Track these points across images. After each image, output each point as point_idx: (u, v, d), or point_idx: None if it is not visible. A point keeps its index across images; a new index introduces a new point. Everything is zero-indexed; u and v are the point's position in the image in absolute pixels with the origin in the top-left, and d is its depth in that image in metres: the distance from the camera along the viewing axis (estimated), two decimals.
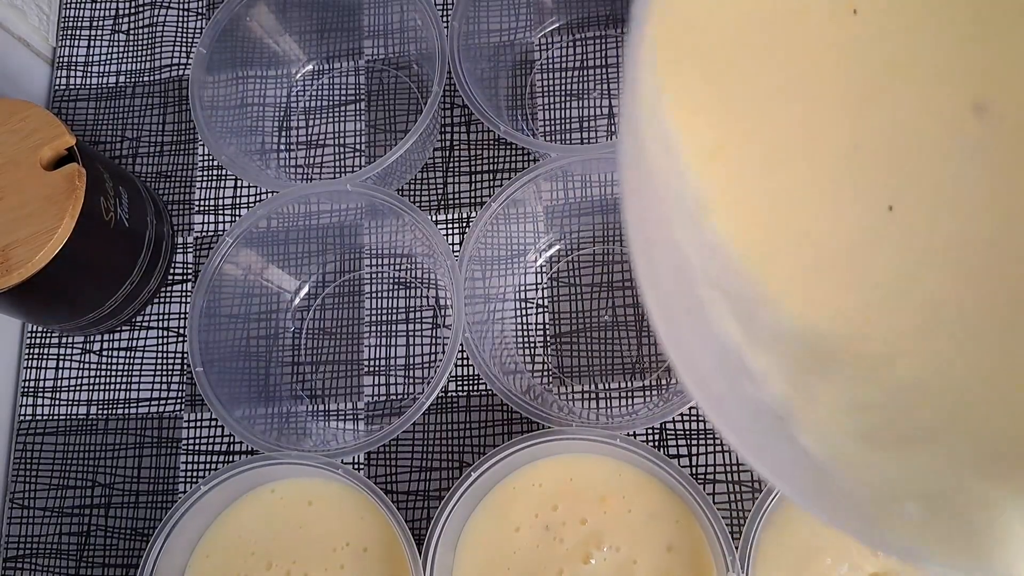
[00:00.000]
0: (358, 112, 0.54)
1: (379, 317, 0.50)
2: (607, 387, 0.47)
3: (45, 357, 0.52)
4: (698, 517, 0.41)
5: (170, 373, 0.51)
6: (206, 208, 0.53)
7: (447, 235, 0.50)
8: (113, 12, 0.58)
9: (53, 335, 0.52)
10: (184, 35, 0.56)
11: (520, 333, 0.49)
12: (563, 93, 0.53)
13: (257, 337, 0.49)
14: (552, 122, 0.52)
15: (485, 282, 0.47)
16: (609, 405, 0.47)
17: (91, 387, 0.51)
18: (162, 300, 0.52)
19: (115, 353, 0.51)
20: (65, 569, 0.48)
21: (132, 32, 0.57)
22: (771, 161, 0.21)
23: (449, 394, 0.48)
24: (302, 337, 0.51)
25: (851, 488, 0.19)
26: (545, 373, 0.48)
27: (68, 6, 0.58)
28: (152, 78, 0.56)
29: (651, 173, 0.21)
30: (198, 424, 0.49)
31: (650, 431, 0.46)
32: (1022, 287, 0.19)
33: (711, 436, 0.46)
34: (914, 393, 0.19)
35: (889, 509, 0.19)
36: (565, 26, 0.54)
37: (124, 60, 0.57)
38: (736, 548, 0.39)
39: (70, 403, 0.51)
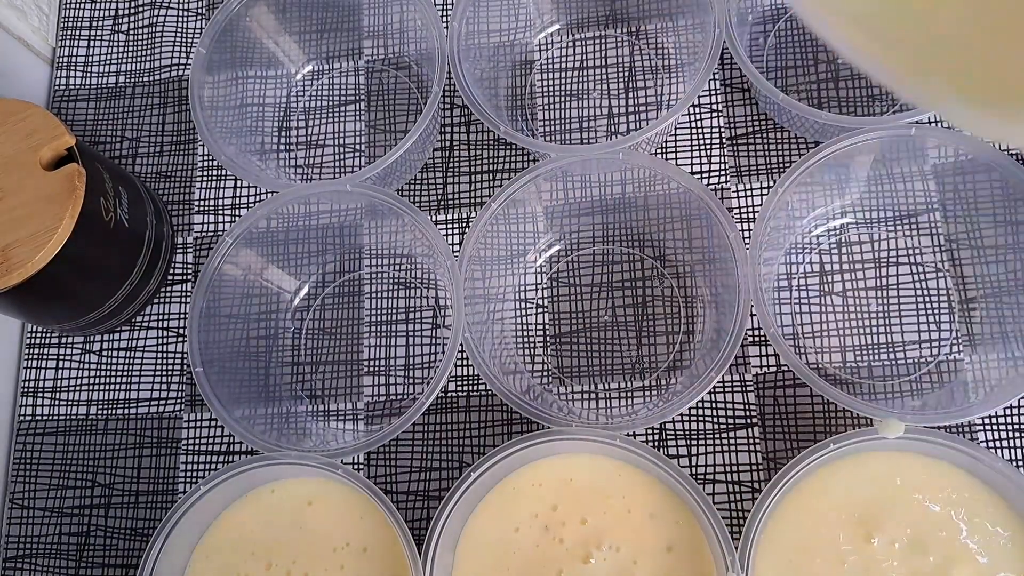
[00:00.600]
0: (358, 112, 0.54)
1: (379, 317, 0.50)
2: (607, 387, 0.47)
3: (45, 357, 0.52)
4: (698, 517, 0.41)
5: (170, 373, 0.51)
6: (206, 208, 0.53)
7: (447, 235, 0.50)
8: (113, 12, 0.58)
9: (53, 335, 0.52)
10: (184, 35, 0.57)
11: (520, 333, 0.49)
12: (563, 93, 0.53)
13: (257, 337, 0.49)
14: (552, 122, 0.52)
15: (485, 282, 0.47)
16: (609, 405, 0.47)
17: (91, 387, 0.51)
18: (162, 300, 0.52)
19: (115, 353, 0.51)
20: (65, 569, 0.48)
21: (132, 32, 0.57)
22: None
23: (449, 394, 0.48)
24: (302, 337, 0.51)
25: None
26: (545, 373, 0.48)
27: (68, 6, 0.58)
28: (152, 78, 0.56)
29: None
30: (198, 424, 0.49)
31: (650, 431, 0.46)
32: None
33: (711, 436, 0.46)
34: None
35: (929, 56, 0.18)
36: (565, 26, 0.54)
37: (124, 60, 0.57)
38: (736, 548, 0.39)
39: (70, 403, 0.51)
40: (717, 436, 0.46)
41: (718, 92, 0.51)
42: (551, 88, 0.53)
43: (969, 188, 0.45)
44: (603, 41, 0.53)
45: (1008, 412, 0.44)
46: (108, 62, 0.57)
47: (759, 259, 0.42)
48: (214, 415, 0.44)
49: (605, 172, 0.47)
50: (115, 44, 0.57)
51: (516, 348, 0.48)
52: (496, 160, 0.52)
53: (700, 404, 0.46)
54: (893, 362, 0.46)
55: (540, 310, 0.49)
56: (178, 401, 0.50)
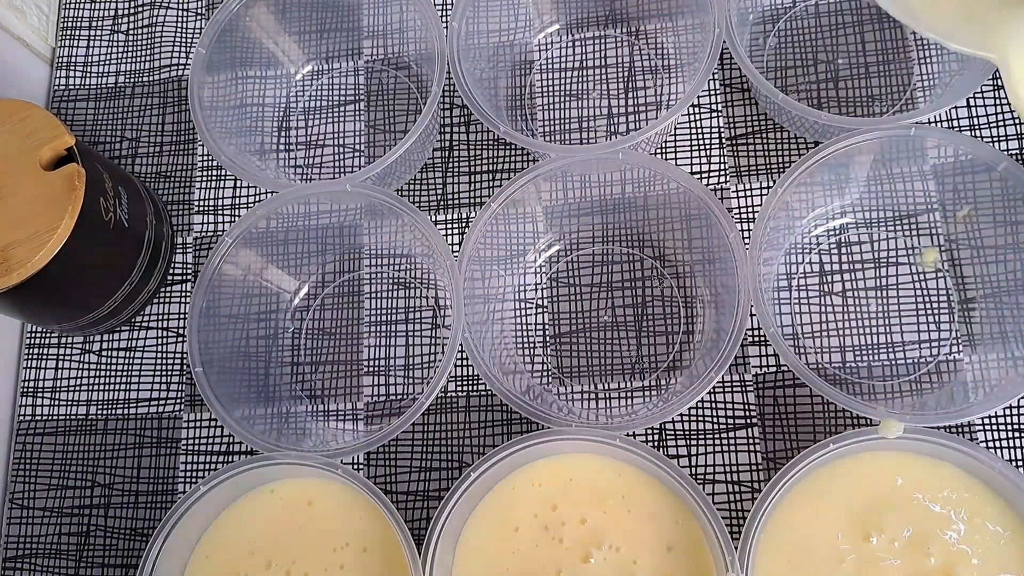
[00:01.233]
0: (357, 112, 0.54)
1: (379, 317, 0.50)
2: (607, 387, 0.47)
3: (45, 357, 0.52)
4: (698, 517, 0.41)
5: (170, 373, 0.51)
6: (206, 208, 0.53)
7: (447, 235, 0.51)
8: (112, 12, 0.58)
9: (53, 335, 0.52)
10: (183, 35, 0.57)
11: (520, 333, 0.49)
12: (563, 93, 0.53)
13: (257, 337, 0.49)
14: (552, 122, 0.52)
15: (484, 282, 0.47)
16: (609, 405, 0.47)
17: (91, 387, 0.51)
18: (162, 300, 0.52)
19: (115, 353, 0.51)
20: (65, 569, 0.48)
21: (131, 32, 0.57)
22: None
23: (449, 394, 0.48)
24: (302, 337, 0.51)
25: None
26: (545, 373, 0.48)
27: (68, 6, 0.58)
28: (151, 78, 0.56)
29: None
30: (198, 424, 0.49)
31: (650, 431, 0.46)
32: None
33: (711, 436, 0.46)
34: None
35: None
36: (565, 26, 0.54)
37: (123, 60, 0.57)
38: (736, 548, 0.39)
39: (70, 403, 0.51)
40: (717, 436, 0.46)
41: (718, 92, 0.51)
42: (551, 88, 0.53)
43: (969, 188, 0.45)
44: (603, 41, 0.53)
45: (1008, 412, 0.44)
46: (108, 62, 0.57)
47: (759, 259, 0.42)
48: (214, 415, 0.44)
49: (605, 172, 0.47)
50: (115, 44, 0.57)
51: (516, 348, 0.48)
52: (496, 160, 0.52)
53: (700, 404, 0.46)
54: (893, 362, 0.46)
55: (540, 310, 0.49)
56: (178, 401, 0.50)
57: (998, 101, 0.48)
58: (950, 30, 0.33)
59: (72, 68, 0.57)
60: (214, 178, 0.54)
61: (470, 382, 0.48)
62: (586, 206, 0.49)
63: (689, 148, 0.50)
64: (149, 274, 0.50)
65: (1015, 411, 0.44)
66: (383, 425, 0.48)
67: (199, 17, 0.57)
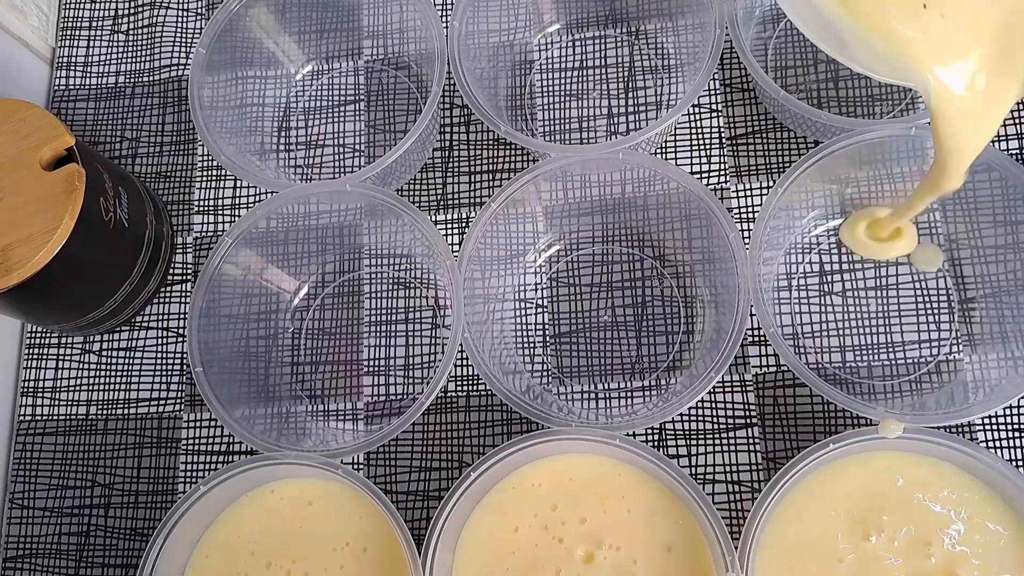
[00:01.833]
0: (357, 112, 0.54)
1: (379, 317, 0.50)
2: (607, 387, 0.47)
3: (45, 357, 0.52)
4: (698, 517, 0.41)
5: (170, 373, 0.51)
6: (206, 208, 0.53)
7: (447, 235, 0.51)
8: (112, 12, 0.58)
9: (53, 335, 0.52)
10: (183, 35, 0.57)
11: (519, 333, 0.49)
12: (563, 93, 0.53)
13: (257, 337, 0.49)
14: (552, 122, 0.52)
15: (485, 282, 0.47)
16: (609, 405, 0.47)
17: (91, 387, 0.51)
18: (162, 300, 0.52)
19: (115, 353, 0.51)
20: (65, 569, 0.48)
21: (132, 32, 0.57)
22: None
23: (449, 394, 0.48)
24: (302, 337, 0.51)
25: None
26: (545, 373, 0.48)
27: (68, 6, 0.58)
28: (152, 78, 0.56)
29: None
30: (198, 424, 0.49)
31: (650, 431, 0.46)
32: None
33: (711, 436, 0.46)
34: None
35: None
36: (565, 26, 0.54)
37: (124, 60, 0.57)
38: (736, 548, 0.39)
39: (70, 403, 0.51)
40: (717, 436, 0.46)
41: (718, 92, 0.51)
42: (551, 88, 0.53)
43: (969, 188, 0.45)
44: (603, 41, 0.53)
45: (1008, 412, 0.44)
46: (108, 62, 0.57)
47: (759, 259, 0.42)
48: (214, 415, 0.44)
49: (605, 172, 0.47)
50: (115, 44, 0.57)
51: (516, 348, 0.48)
52: (496, 160, 0.52)
53: (700, 404, 0.46)
54: (893, 362, 0.46)
55: (540, 310, 0.49)
56: (178, 401, 0.50)
57: None
58: (879, 63, 0.35)
59: (72, 68, 0.57)
60: (214, 178, 0.54)
61: (470, 382, 0.48)
62: (586, 206, 0.49)
63: (689, 148, 0.50)
64: (149, 274, 0.50)
65: (1015, 411, 0.44)
66: (383, 425, 0.48)
67: (199, 17, 0.57)
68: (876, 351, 0.46)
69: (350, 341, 0.50)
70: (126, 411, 0.50)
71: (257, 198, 0.53)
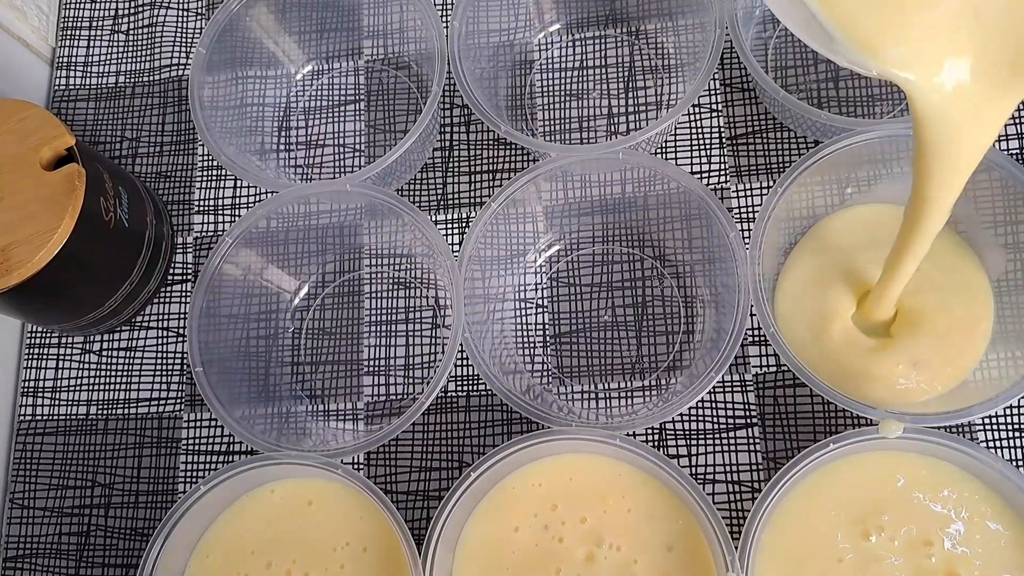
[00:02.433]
0: (358, 112, 0.54)
1: (379, 317, 0.50)
2: (607, 387, 0.47)
3: (45, 357, 0.52)
4: (698, 517, 0.41)
5: (170, 373, 0.51)
6: (206, 208, 0.53)
7: (447, 235, 0.51)
8: (113, 12, 0.58)
9: (53, 335, 0.52)
10: (184, 35, 0.57)
11: (520, 333, 0.49)
12: (563, 93, 0.53)
13: (257, 337, 0.49)
14: (552, 122, 0.52)
15: (485, 282, 0.47)
16: (609, 405, 0.47)
17: (91, 387, 0.51)
18: (162, 300, 0.52)
19: (115, 353, 0.51)
20: (65, 569, 0.48)
21: (132, 32, 0.57)
22: None
23: (449, 394, 0.48)
24: (302, 337, 0.51)
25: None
26: (545, 373, 0.48)
27: (68, 6, 0.58)
28: (152, 78, 0.56)
29: None
30: (198, 424, 0.49)
31: (650, 431, 0.46)
32: None
33: (711, 436, 0.46)
34: None
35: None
36: (565, 26, 0.54)
37: (124, 60, 0.57)
38: (736, 548, 0.39)
39: (70, 403, 0.51)
40: (717, 436, 0.46)
41: (718, 92, 0.51)
42: (551, 88, 0.53)
43: (969, 188, 0.45)
44: (603, 41, 0.53)
45: (1008, 412, 0.44)
46: (108, 62, 0.57)
47: (759, 259, 0.42)
48: (214, 415, 0.44)
49: (605, 172, 0.47)
50: (115, 44, 0.57)
51: (516, 348, 0.48)
52: (496, 160, 0.52)
53: (700, 404, 0.46)
54: None
55: (540, 310, 0.49)
56: (178, 401, 0.50)
57: None
58: (864, 59, 0.32)
59: (72, 68, 0.57)
60: (214, 178, 0.54)
61: (470, 382, 0.48)
62: (586, 206, 0.49)
63: (689, 148, 0.50)
64: (149, 274, 0.50)
65: (1015, 411, 0.44)
66: (383, 425, 0.48)
67: (199, 17, 0.57)
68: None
69: (350, 341, 0.50)
70: (126, 411, 0.50)
71: (257, 198, 0.53)
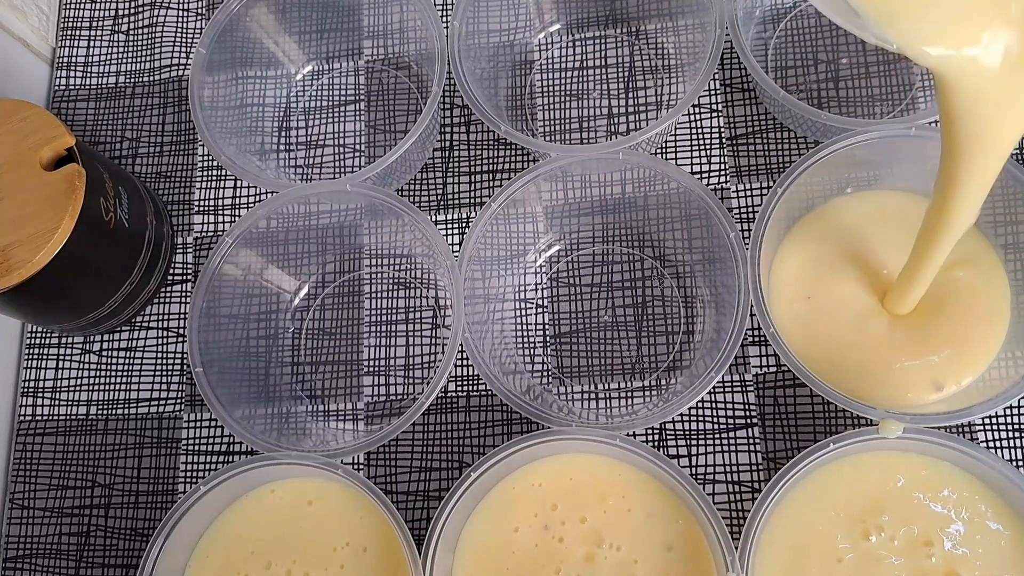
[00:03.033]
0: (358, 112, 0.54)
1: (379, 317, 0.50)
2: (607, 387, 0.47)
3: (45, 357, 0.52)
4: (698, 517, 0.41)
5: (170, 373, 0.51)
6: (206, 208, 0.53)
7: (447, 235, 0.51)
8: (113, 12, 0.58)
9: (53, 335, 0.52)
10: (184, 35, 0.57)
11: (520, 333, 0.49)
12: (563, 93, 0.53)
13: (257, 337, 0.49)
14: (552, 122, 0.52)
15: (485, 282, 0.47)
16: (609, 405, 0.47)
17: (91, 387, 0.51)
18: (162, 300, 0.52)
19: (115, 353, 0.51)
20: (65, 569, 0.48)
21: (132, 32, 0.57)
22: None
23: (449, 394, 0.48)
24: (302, 337, 0.51)
25: None
26: (545, 373, 0.48)
27: (68, 6, 0.58)
28: (152, 78, 0.56)
29: None
30: (198, 424, 0.49)
31: (650, 431, 0.46)
32: None
33: (711, 436, 0.46)
34: None
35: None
36: (565, 26, 0.54)
37: (124, 60, 0.57)
38: (736, 548, 0.39)
39: (70, 403, 0.51)
40: (717, 436, 0.46)
41: (718, 92, 0.51)
42: (551, 88, 0.53)
43: None
44: (603, 41, 0.53)
45: (1008, 412, 0.44)
46: (108, 62, 0.57)
47: (759, 259, 0.42)
48: (214, 415, 0.44)
49: (605, 172, 0.47)
50: (115, 44, 0.57)
51: (516, 348, 0.48)
52: (496, 160, 0.52)
53: (700, 404, 0.46)
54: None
55: (540, 310, 0.49)
56: (178, 401, 0.50)
57: None
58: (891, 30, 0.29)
59: (72, 68, 0.57)
60: (214, 178, 0.54)
61: (470, 382, 0.48)
62: (586, 206, 0.49)
63: (689, 148, 0.50)
64: (149, 274, 0.50)
65: (1015, 411, 0.44)
66: (383, 425, 0.48)
67: (199, 17, 0.57)
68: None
69: (350, 341, 0.50)
70: (126, 411, 0.50)
71: (257, 198, 0.53)
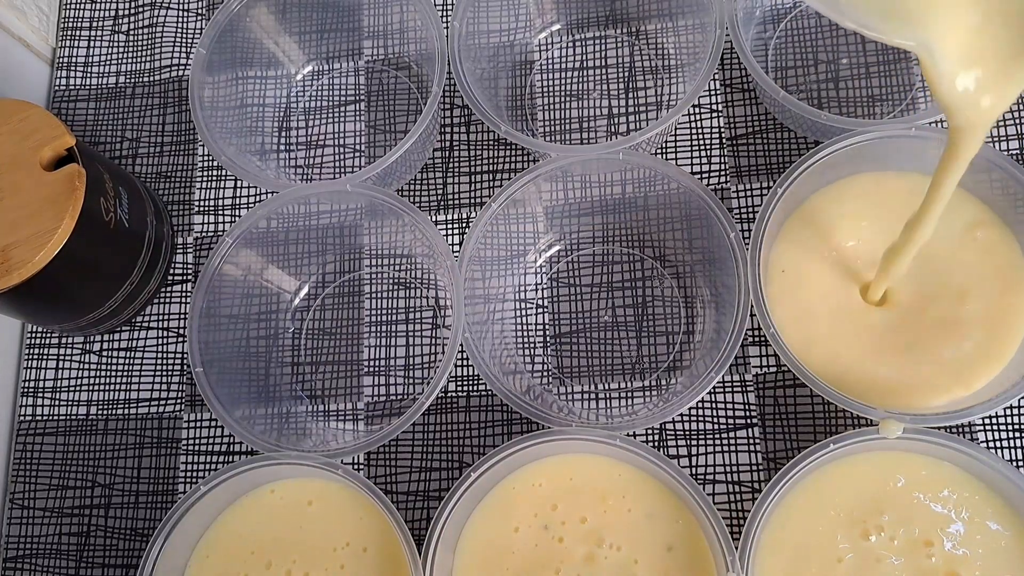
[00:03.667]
0: (358, 112, 0.54)
1: (379, 317, 0.50)
2: (607, 387, 0.47)
3: (45, 357, 0.52)
4: (698, 517, 0.41)
5: (170, 373, 0.51)
6: (206, 208, 0.53)
7: (447, 235, 0.51)
8: (113, 12, 0.58)
9: (53, 335, 0.52)
10: (184, 35, 0.57)
11: (520, 333, 0.49)
12: (563, 93, 0.53)
13: (257, 337, 0.49)
14: (552, 122, 0.52)
15: (485, 282, 0.47)
16: (609, 405, 0.47)
17: (91, 387, 0.51)
18: (162, 300, 0.52)
19: (115, 353, 0.51)
20: (65, 569, 0.48)
21: (132, 32, 0.57)
22: None
23: (449, 394, 0.48)
24: (302, 337, 0.51)
25: None
26: (545, 373, 0.48)
27: (68, 6, 0.58)
28: (152, 78, 0.56)
29: None
30: (198, 424, 0.49)
31: (650, 431, 0.46)
32: None
33: (711, 436, 0.46)
34: None
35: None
36: (565, 26, 0.54)
37: (124, 60, 0.57)
38: (736, 548, 0.39)
39: (70, 403, 0.51)
40: (717, 436, 0.46)
41: (718, 92, 0.51)
42: (551, 88, 0.53)
43: (970, 188, 0.45)
44: (603, 41, 0.53)
45: (1008, 412, 0.44)
46: (108, 62, 0.57)
47: (759, 259, 0.42)
48: (214, 415, 0.44)
49: (605, 172, 0.47)
50: (115, 44, 0.57)
51: (516, 348, 0.48)
52: (496, 160, 0.52)
53: (700, 404, 0.46)
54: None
55: (540, 310, 0.49)
56: (178, 401, 0.50)
57: None
58: (873, 20, 0.30)
59: (72, 68, 0.57)
60: (214, 178, 0.54)
61: (470, 382, 0.48)
62: (587, 206, 0.49)
63: (689, 148, 0.50)
64: (149, 274, 0.50)
65: (1015, 411, 0.44)
66: (383, 425, 0.48)
67: (199, 17, 0.57)
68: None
69: (350, 341, 0.50)
70: (126, 411, 0.50)
71: (257, 198, 0.53)
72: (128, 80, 0.56)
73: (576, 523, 0.42)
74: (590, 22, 0.54)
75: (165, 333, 0.51)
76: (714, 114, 0.51)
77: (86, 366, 0.51)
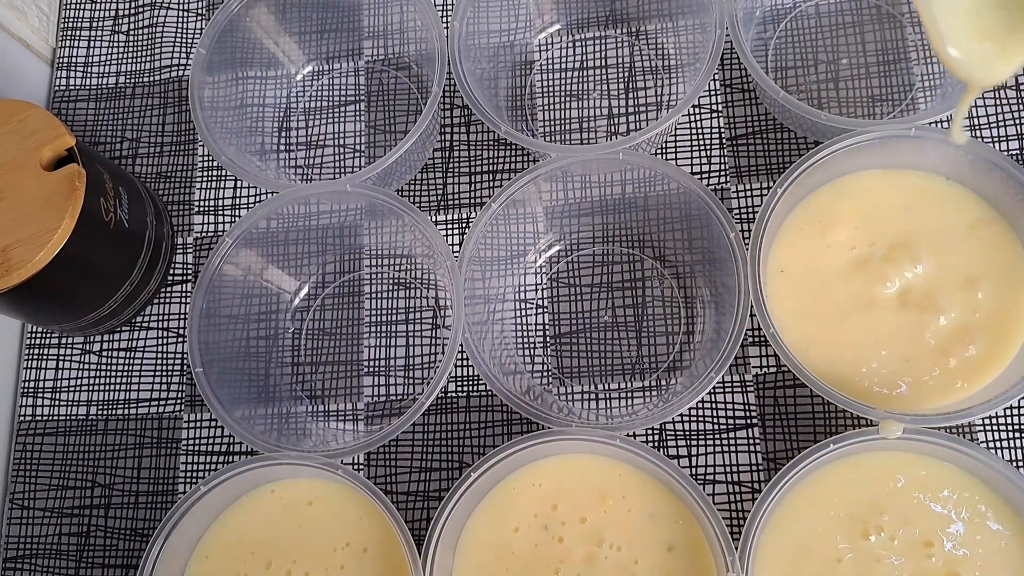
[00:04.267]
0: (358, 113, 0.54)
1: (379, 317, 0.50)
2: (607, 387, 0.47)
3: (45, 357, 0.52)
4: (698, 517, 0.41)
5: (170, 373, 0.51)
6: (206, 209, 0.53)
7: (447, 236, 0.51)
8: (113, 13, 0.58)
9: (53, 335, 0.52)
10: (184, 36, 0.57)
11: (520, 334, 0.49)
12: (563, 93, 0.53)
13: (257, 337, 0.49)
14: (552, 122, 0.52)
15: (485, 283, 0.47)
16: (609, 405, 0.47)
17: (91, 387, 0.51)
18: (162, 300, 0.52)
19: (115, 353, 0.51)
20: (65, 569, 0.48)
21: (132, 33, 0.57)
22: None
23: (449, 394, 0.48)
24: (302, 337, 0.51)
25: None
26: (545, 374, 0.48)
27: (68, 6, 0.58)
28: (152, 78, 0.56)
29: None
30: (198, 425, 0.49)
31: (650, 431, 0.46)
32: None
33: (711, 436, 0.46)
34: None
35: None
36: (565, 26, 0.54)
37: (124, 60, 0.57)
38: (736, 548, 0.39)
39: (70, 403, 0.51)
40: (717, 436, 0.46)
41: (718, 92, 0.51)
42: (551, 88, 0.53)
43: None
44: (603, 41, 0.53)
45: (1008, 412, 0.44)
46: (108, 62, 0.57)
47: (759, 259, 0.42)
48: (214, 415, 0.44)
49: (605, 172, 0.47)
50: (115, 44, 0.57)
51: (516, 348, 0.48)
52: (496, 160, 0.52)
53: (700, 404, 0.46)
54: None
55: (540, 310, 0.49)
56: (178, 401, 0.50)
57: (998, 102, 0.48)
58: None
59: (72, 68, 0.57)
60: (214, 178, 0.54)
61: (470, 382, 0.48)
62: (586, 206, 0.49)
63: (689, 148, 0.50)
64: (149, 274, 0.50)
65: (1015, 411, 0.44)
66: (383, 425, 0.48)
67: (199, 17, 0.57)
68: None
69: (350, 341, 0.50)
70: (126, 411, 0.50)
71: (257, 198, 0.53)
72: (128, 80, 0.56)
73: (576, 523, 0.42)
74: (590, 22, 0.54)
75: (165, 333, 0.51)
76: (714, 114, 0.51)
77: (86, 366, 0.51)
